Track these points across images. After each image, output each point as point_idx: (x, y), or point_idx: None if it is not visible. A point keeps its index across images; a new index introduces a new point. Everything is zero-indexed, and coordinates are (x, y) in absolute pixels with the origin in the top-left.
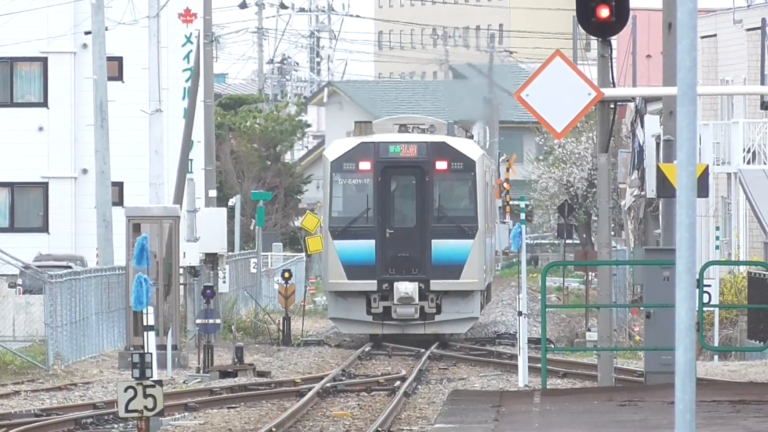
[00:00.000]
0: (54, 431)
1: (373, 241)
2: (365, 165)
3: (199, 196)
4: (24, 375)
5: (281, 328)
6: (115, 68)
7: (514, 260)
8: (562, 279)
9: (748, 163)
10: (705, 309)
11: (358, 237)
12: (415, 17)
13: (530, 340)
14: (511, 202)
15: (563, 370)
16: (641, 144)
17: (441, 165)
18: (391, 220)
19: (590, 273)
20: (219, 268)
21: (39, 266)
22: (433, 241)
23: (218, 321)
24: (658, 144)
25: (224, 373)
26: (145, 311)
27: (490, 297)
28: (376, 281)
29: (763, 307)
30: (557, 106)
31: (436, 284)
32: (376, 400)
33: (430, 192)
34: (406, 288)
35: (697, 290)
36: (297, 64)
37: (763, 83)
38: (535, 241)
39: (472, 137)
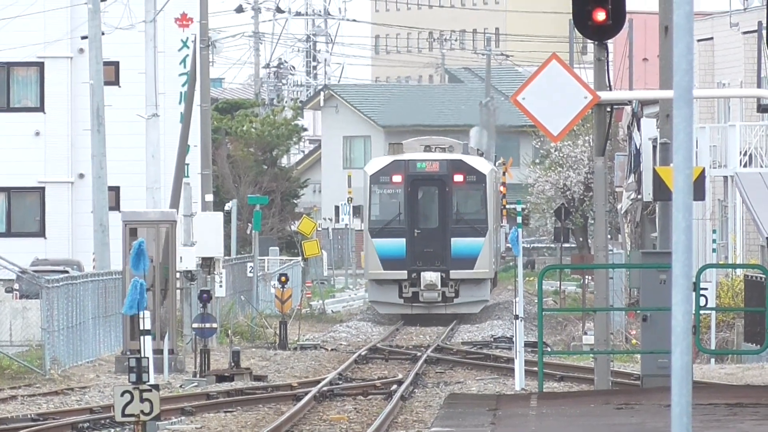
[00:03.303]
0: None
1: (404, 239)
2: (397, 178)
3: (195, 201)
4: (21, 379)
5: (278, 332)
6: (112, 73)
7: (511, 264)
8: (558, 282)
9: (745, 166)
10: (702, 312)
11: (392, 236)
12: (412, 21)
13: (527, 344)
14: (507, 206)
15: (560, 374)
16: (638, 147)
17: (458, 178)
18: (418, 222)
19: (587, 276)
20: (215, 273)
21: (36, 271)
22: (452, 238)
23: (215, 325)
24: (654, 147)
25: (221, 378)
26: (142, 315)
27: (496, 283)
28: (406, 271)
29: (760, 310)
30: (554, 110)
31: (454, 273)
32: (373, 404)
33: (450, 199)
34: (430, 277)
35: (694, 293)
36: (293, 68)
37: (759, 86)
38: (532, 245)
39: (482, 155)
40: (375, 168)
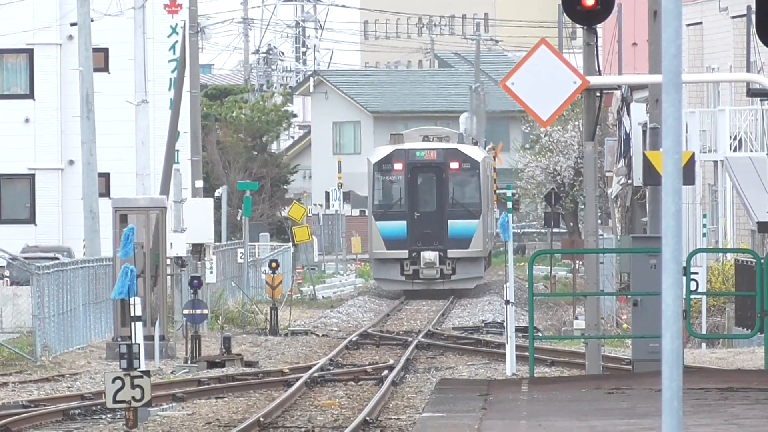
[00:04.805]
0: (42, 422)
1: (405, 222)
2: (399, 165)
3: (185, 187)
4: (11, 366)
5: (268, 318)
6: (101, 59)
7: (502, 249)
8: (549, 267)
9: (735, 150)
10: (692, 296)
11: (394, 218)
12: (401, 6)
13: (518, 329)
14: (497, 191)
15: (551, 359)
16: (627, 132)
17: (454, 165)
18: (418, 206)
19: (577, 261)
20: (206, 259)
21: (26, 258)
22: (449, 221)
23: (205, 311)
24: (644, 132)
25: (212, 363)
26: (132, 302)
27: (490, 262)
28: (407, 251)
29: (751, 294)
30: (543, 95)
31: (451, 252)
32: (364, 390)
33: (446, 185)
34: (429, 256)
35: (684, 278)
36: (283, 54)
37: (748, 70)
38: (522, 230)
39: (476, 143)
40: (378, 156)
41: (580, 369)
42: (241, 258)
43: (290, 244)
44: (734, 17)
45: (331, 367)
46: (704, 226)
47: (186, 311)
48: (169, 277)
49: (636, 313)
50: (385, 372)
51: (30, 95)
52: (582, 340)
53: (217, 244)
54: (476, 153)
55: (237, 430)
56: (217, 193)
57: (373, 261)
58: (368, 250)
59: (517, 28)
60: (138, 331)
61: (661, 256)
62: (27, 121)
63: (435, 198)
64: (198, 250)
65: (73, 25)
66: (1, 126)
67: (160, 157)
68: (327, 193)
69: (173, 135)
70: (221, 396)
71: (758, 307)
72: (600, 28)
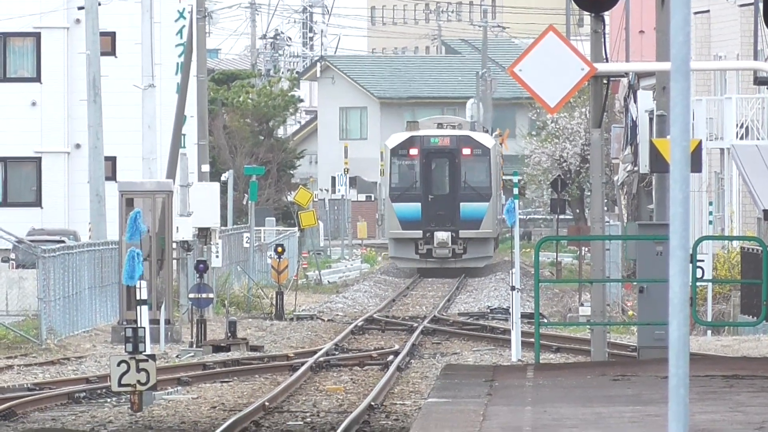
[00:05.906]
0: (47, 405)
1: (419, 204)
2: (414, 151)
3: (192, 171)
4: (17, 349)
5: (274, 302)
6: (108, 43)
7: (507, 235)
8: (555, 254)
9: (741, 138)
10: (698, 284)
11: (410, 200)
12: None
13: (523, 315)
14: (504, 177)
15: (556, 345)
16: (634, 119)
17: (466, 151)
18: (431, 189)
19: (583, 248)
20: (212, 243)
21: (32, 241)
22: (460, 203)
23: (211, 295)
24: (651, 119)
25: (217, 348)
26: (138, 285)
27: (498, 244)
28: (422, 231)
29: (756, 282)
30: (550, 81)
31: (463, 233)
32: (369, 375)
33: (459, 169)
34: (442, 236)
35: (691, 265)
36: (290, 39)
37: (755, 59)
38: (528, 216)
39: (487, 131)
40: (395, 142)
41: (585, 355)
42: (246, 242)
43: (296, 228)
44: (741, 5)
45: (337, 352)
46: (710, 213)
47: (191, 295)
48: (174, 261)
49: (642, 300)
50: (391, 357)
51: (37, 79)
52: (587, 326)
53: (223, 228)
54: (487, 140)
55: (242, 414)
56: (223, 178)
57: (389, 240)
58: (384, 231)
59: (525, 14)
60: (143, 315)
61: (668, 243)
62: (34, 104)
63: (448, 182)
64: (204, 234)
65: (80, 8)
66: (8, 109)
67: (166, 141)
68: (333, 179)
69: (180, 119)
70: (226, 380)
71: (764, 294)
72: (607, 15)
